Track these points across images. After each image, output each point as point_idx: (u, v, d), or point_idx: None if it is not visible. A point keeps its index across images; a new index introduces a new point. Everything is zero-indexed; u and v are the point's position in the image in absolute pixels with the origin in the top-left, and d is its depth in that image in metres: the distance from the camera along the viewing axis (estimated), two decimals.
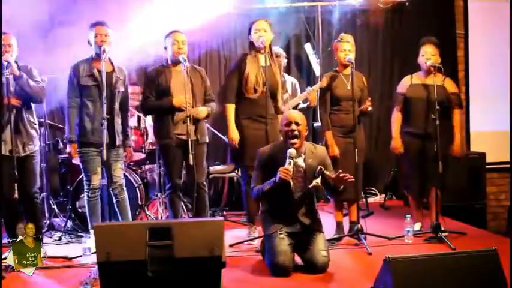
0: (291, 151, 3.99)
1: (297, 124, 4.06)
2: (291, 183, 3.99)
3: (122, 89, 4.74)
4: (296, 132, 4.05)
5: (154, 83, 4.73)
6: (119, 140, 4.69)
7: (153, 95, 4.75)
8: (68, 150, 4.78)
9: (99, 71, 4.53)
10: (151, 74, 4.79)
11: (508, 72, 6.16)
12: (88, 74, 4.62)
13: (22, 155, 4.51)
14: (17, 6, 5.43)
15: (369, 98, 4.89)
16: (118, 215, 4.80)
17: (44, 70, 5.15)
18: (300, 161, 4.09)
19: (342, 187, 4.09)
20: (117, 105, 4.70)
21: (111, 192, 4.73)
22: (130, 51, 5.28)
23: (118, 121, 4.72)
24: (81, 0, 6.13)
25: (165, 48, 4.75)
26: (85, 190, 4.74)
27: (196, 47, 6.50)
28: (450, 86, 5.05)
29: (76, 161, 5.43)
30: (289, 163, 3.96)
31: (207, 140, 4.88)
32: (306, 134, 4.14)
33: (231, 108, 4.83)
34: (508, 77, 6.15)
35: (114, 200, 4.76)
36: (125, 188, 4.81)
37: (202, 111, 4.72)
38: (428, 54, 4.93)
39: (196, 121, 4.67)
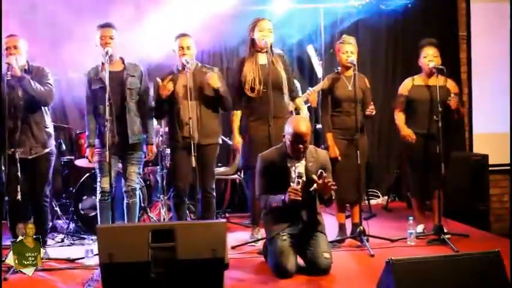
0: (300, 171, 3.97)
1: (304, 142, 4.03)
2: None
3: (136, 85, 4.69)
4: (302, 150, 4.05)
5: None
6: (133, 139, 4.65)
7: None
8: (86, 154, 4.83)
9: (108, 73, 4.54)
10: (161, 79, 4.80)
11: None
12: (97, 78, 4.65)
13: (29, 157, 4.51)
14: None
15: (371, 103, 4.89)
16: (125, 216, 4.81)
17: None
18: (301, 167, 4.05)
19: (328, 196, 4.04)
20: (132, 103, 4.67)
21: (124, 194, 4.74)
22: (130, 53, 5.27)
23: (134, 119, 4.67)
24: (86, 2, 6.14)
25: (173, 51, 4.77)
26: (97, 191, 4.73)
27: (198, 48, 6.48)
28: (452, 87, 5.05)
29: (79, 162, 5.45)
30: (298, 183, 3.93)
31: (215, 141, 4.82)
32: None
33: (235, 114, 4.91)
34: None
35: (125, 202, 4.77)
36: (137, 193, 4.79)
37: (213, 78, 4.61)
38: (430, 56, 4.92)
39: (202, 122, 4.67)
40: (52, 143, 4.67)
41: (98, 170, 4.73)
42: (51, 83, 4.58)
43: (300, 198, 3.90)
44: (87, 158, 4.82)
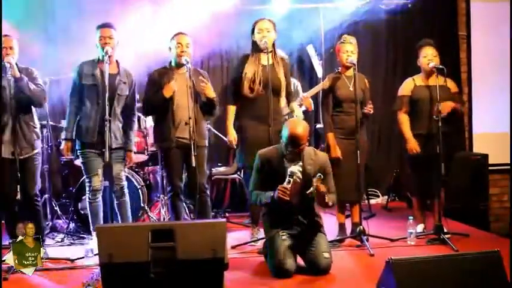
0: (292, 170, 3.96)
1: (300, 145, 4.02)
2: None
3: (125, 93, 4.72)
4: (298, 153, 4.04)
5: (156, 85, 4.72)
6: (116, 143, 4.66)
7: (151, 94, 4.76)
8: (61, 147, 4.81)
9: (102, 72, 4.54)
10: (154, 76, 4.78)
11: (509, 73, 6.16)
12: (90, 74, 4.65)
13: (21, 157, 4.50)
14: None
15: (370, 102, 4.90)
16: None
17: (47, 71, 5.16)
18: (297, 169, 4.04)
19: (328, 203, 4.06)
20: (118, 109, 4.69)
21: (113, 194, 4.74)
22: (130, 53, 5.27)
23: (118, 124, 4.71)
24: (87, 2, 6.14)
25: (170, 49, 4.76)
26: (87, 192, 4.75)
27: (198, 48, 6.49)
28: (452, 86, 5.05)
29: (78, 162, 5.45)
30: (289, 182, 3.92)
31: (206, 144, 4.86)
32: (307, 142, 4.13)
33: (230, 109, 4.85)
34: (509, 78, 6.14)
35: (115, 202, 4.77)
36: (126, 191, 4.80)
37: (209, 89, 4.66)
38: (430, 56, 4.92)
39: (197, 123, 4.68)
40: (36, 146, 4.64)
41: (84, 171, 4.73)
42: (41, 83, 4.59)
43: (288, 198, 3.89)
44: (61, 151, 4.80)
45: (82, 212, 5.27)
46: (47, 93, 4.84)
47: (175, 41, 4.72)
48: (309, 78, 6.92)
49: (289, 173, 3.94)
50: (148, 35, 5.69)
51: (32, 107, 4.58)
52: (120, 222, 4.74)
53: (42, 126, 5.07)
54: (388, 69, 7.21)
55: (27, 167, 4.54)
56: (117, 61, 4.74)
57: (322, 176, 3.96)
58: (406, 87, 5.07)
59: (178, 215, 4.80)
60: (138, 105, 5.01)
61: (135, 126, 4.91)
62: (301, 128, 4.03)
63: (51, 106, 5.47)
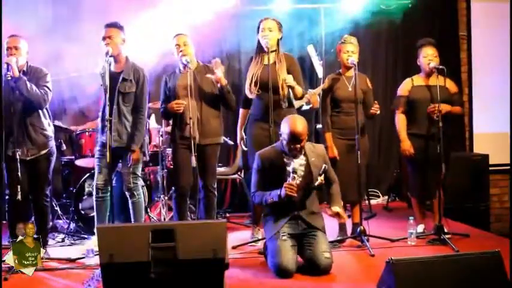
0: (294, 167, 4.01)
1: (300, 141, 4.05)
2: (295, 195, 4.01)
3: (131, 90, 4.61)
4: (298, 149, 4.08)
5: (166, 88, 4.78)
6: (120, 142, 4.61)
7: (164, 100, 4.80)
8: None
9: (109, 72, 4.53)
10: (166, 81, 4.81)
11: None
12: (102, 75, 4.65)
13: (27, 158, 4.50)
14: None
15: (376, 102, 4.90)
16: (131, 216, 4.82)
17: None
18: (296, 164, 4.08)
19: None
20: (123, 107, 4.62)
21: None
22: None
23: (124, 123, 4.63)
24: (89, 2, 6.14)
25: (174, 53, 4.77)
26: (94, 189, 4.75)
27: (199, 48, 6.49)
28: (452, 86, 5.05)
29: (79, 162, 5.46)
30: (293, 178, 3.97)
31: (215, 142, 4.80)
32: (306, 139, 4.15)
33: (240, 113, 4.99)
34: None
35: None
36: (136, 193, 4.74)
37: (222, 76, 4.62)
38: (430, 56, 4.92)
39: (203, 121, 4.67)
40: (51, 144, 4.64)
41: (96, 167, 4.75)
42: (48, 85, 4.56)
43: (296, 194, 3.95)
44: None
45: (83, 212, 5.28)
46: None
47: (174, 42, 4.73)
48: (309, 78, 6.91)
49: (291, 170, 3.99)
50: (147, 35, 5.68)
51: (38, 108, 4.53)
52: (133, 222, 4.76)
53: None
54: (388, 69, 7.22)
55: (36, 166, 4.55)
56: (126, 57, 4.69)
57: (327, 166, 4.14)
58: (404, 88, 5.07)
59: (182, 217, 4.78)
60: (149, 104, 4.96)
61: (142, 124, 4.69)
62: (301, 124, 4.08)
63: (51, 106, 5.46)
